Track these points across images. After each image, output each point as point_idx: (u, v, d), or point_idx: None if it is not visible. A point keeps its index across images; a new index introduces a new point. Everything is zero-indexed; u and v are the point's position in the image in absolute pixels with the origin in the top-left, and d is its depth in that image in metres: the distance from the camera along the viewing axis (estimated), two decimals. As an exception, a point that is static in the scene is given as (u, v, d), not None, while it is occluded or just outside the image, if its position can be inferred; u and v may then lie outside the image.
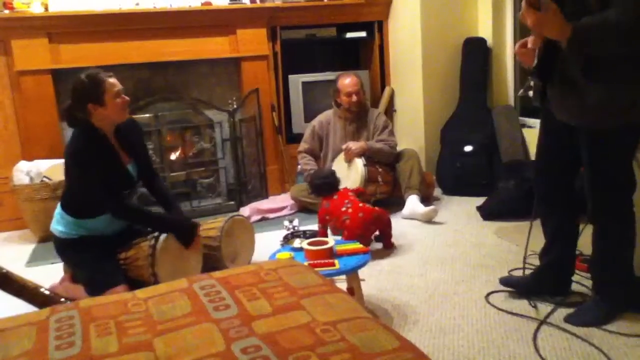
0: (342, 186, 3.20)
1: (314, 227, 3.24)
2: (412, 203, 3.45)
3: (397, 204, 3.56)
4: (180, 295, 1.43)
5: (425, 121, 4.18)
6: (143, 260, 2.34)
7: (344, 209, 2.90)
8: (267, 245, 3.01)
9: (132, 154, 2.47)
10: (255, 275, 1.52)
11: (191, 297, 1.41)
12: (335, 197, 3.03)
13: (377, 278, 2.55)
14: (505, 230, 3.10)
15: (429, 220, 3.34)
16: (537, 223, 2.23)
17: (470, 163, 3.91)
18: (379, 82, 4.65)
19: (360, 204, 2.92)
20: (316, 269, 1.72)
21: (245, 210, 3.70)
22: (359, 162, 3.50)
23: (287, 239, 3.09)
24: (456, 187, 3.95)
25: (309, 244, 2.18)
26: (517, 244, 2.81)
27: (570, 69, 1.76)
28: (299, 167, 3.96)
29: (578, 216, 2.12)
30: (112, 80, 2.33)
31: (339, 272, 2.04)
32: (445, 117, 4.13)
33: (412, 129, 4.34)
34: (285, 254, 2.17)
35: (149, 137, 3.80)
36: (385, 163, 3.66)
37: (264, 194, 4.23)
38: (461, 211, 3.55)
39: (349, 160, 3.57)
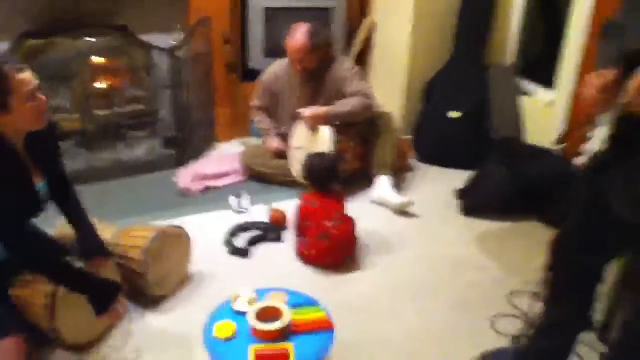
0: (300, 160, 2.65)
1: (267, 205, 2.77)
2: (384, 187, 2.91)
3: (365, 179, 3.01)
4: None
5: (409, 71, 3.51)
6: (39, 308, 1.79)
7: (329, 223, 2.32)
8: (208, 243, 2.48)
9: (44, 169, 1.81)
10: None
11: None
12: (327, 196, 2.42)
13: (343, 321, 2.03)
14: (491, 238, 2.65)
15: (401, 212, 2.84)
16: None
17: (455, 131, 3.34)
18: (359, 10, 3.86)
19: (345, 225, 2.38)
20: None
21: (184, 176, 3.09)
22: (325, 133, 2.86)
23: (232, 235, 2.56)
24: (435, 155, 3.41)
25: (259, 314, 1.67)
26: (506, 269, 2.39)
27: None
28: (254, 121, 3.31)
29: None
30: (23, 75, 1.59)
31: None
32: (433, 69, 3.46)
33: (391, 77, 3.67)
34: (227, 326, 1.66)
35: (67, 81, 3.03)
36: (360, 124, 3.03)
37: (211, 143, 3.59)
38: (438, 194, 3.04)
39: (312, 129, 2.94)
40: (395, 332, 2.02)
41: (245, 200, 2.88)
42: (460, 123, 3.31)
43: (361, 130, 3.03)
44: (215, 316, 1.72)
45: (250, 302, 1.76)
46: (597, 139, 1.36)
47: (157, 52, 3.16)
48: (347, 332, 1.92)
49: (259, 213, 2.77)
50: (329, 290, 2.20)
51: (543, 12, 3.31)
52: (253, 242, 2.54)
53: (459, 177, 3.05)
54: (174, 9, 3.30)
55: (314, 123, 2.89)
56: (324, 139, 2.84)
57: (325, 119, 2.87)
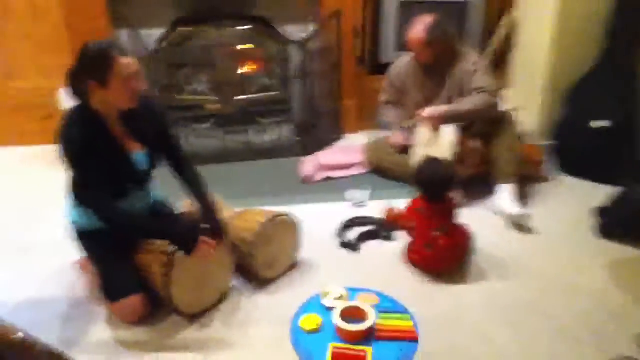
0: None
1: (385, 201, 2.69)
2: (503, 196, 2.72)
3: (488, 186, 2.83)
4: None
5: (551, 74, 3.23)
6: (157, 275, 1.97)
7: (435, 233, 2.23)
8: (321, 233, 2.53)
9: (144, 141, 1.99)
10: None
11: None
12: (437, 203, 2.27)
13: (431, 333, 1.93)
14: (627, 267, 2.35)
15: (518, 225, 2.63)
16: None
17: (600, 142, 3.02)
18: (500, 6, 3.64)
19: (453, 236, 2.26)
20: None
21: (307, 165, 3.17)
22: (448, 134, 2.74)
23: (345, 228, 2.58)
24: (576, 167, 3.11)
25: (344, 312, 1.66)
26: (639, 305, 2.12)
27: None
28: (381, 114, 3.28)
29: None
30: (127, 60, 1.77)
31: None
32: (576, 74, 3.16)
33: (531, 80, 3.42)
34: (313, 319, 1.68)
35: (209, 67, 3.25)
36: (480, 123, 2.87)
37: (337, 134, 3.65)
38: (570, 210, 2.78)
39: (433, 129, 2.82)
40: (484, 353, 1.88)
41: (363, 194, 2.88)
42: (606, 134, 2.99)
43: (482, 131, 2.86)
44: (304, 308, 1.75)
45: (339, 299, 1.76)
46: None
47: (290, 43, 3.26)
48: (433, 344, 1.85)
49: (376, 209, 2.75)
50: (425, 299, 2.13)
51: None
52: (364, 237, 2.53)
53: (600, 194, 2.75)
54: (309, 1, 3.38)
55: (434, 123, 2.79)
56: (446, 141, 2.74)
57: (445, 119, 2.76)
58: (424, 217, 2.25)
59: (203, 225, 2.01)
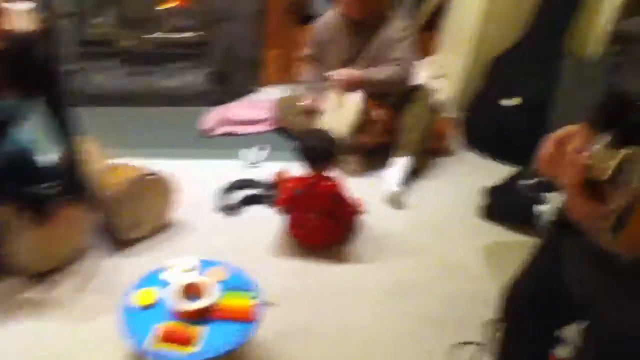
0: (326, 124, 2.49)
1: (283, 164, 2.59)
2: (395, 170, 2.63)
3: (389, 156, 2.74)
4: None
5: (478, 44, 3.10)
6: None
7: (313, 215, 2.15)
8: (202, 193, 2.45)
9: (13, 86, 1.82)
10: None
11: None
12: (318, 179, 2.14)
13: (296, 309, 1.91)
14: (499, 252, 2.35)
15: (393, 202, 2.55)
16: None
17: (510, 119, 2.96)
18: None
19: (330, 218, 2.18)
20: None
21: (210, 117, 3.03)
22: (354, 99, 2.64)
23: (228, 190, 2.49)
24: (484, 143, 3.06)
25: (185, 289, 1.60)
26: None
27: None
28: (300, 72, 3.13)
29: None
30: None
31: (193, 358, 1.50)
32: (501, 48, 3.05)
33: (458, 49, 3.29)
34: (149, 294, 1.62)
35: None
36: (394, 96, 2.78)
37: (254, 85, 3.49)
38: (464, 188, 2.72)
39: (343, 92, 2.72)
40: (343, 331, 1.88)
41: (259, 155, 2.78)
42: (516, 112, 2.93)
43: (394, 102, 2.77)
44: (144, 281, 1.69)
45: (188, 272, 1.70)
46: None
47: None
48: (289, 321, 1.83)
49: (271, 171, 2.66)
50: (296, 274, 2.09)
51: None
52: (247, 201, 2.46)
53: (499, 173, 2.70)
54: None
55: (346, 87, 2.67)
56: (352, 106, 2.64)
57: (358, 84, 2.65)
58: (301, 199, 2.14)
59: (59, 183, 1.88)
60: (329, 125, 2.60)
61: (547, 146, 0.98)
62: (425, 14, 3.53)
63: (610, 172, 0.80)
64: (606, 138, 0.87)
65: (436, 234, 2.40)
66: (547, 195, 1.08)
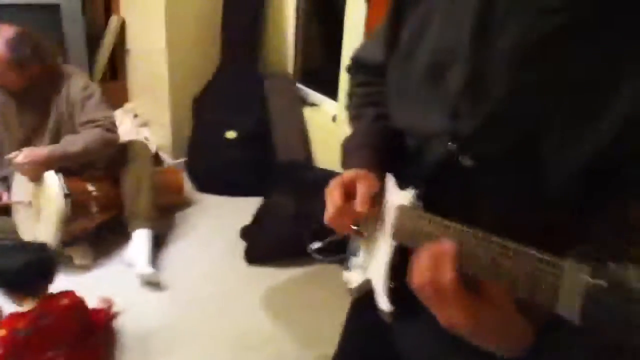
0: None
1: None
2: (137, 245, 2.20)
3: (122, 232, 2.29)
4: None
5: (171, 83, 2.86)
6: None
7: (52, 353, 1.54)
8: None
9: None
10: None
11: None
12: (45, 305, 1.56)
13: None
14: (280, 294, 2.17)
15: (149, 283, 2.15)
16: None
17: (232, 154, 2.81)
18: (102, 7, 3.07)
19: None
20: None
21: None
22: (51, 182, 2.07)
23: None
24: (216, 184, 2.84)
25: None
26: (297, 342, 1.94)
27: None
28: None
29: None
30: None
31: None
32: (202, 81, 2.88)
33: (153, 92, 2.99)
34: None
35: None
36: (103, 161, 2.32)
37: None
38: (218, 232, 2.49)
39: (32, 179, 2.13)
40: None
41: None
42: (237, 145, 2.80)
43: (106, 168, 2.33)
44: None
45: None
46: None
47: None
48: None
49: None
50: None
51: (319, 16, 2.93)
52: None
53: (249, 208, 2.51)
54: None
55: (34, 171, 2.08)
56: (52, 191, 2.06)
57: (48, 164, 2.09)
58: (30, 339, 1.51)
59: None
60: (29, 230, 2.03)
61: (332, 199, 0.78)
62: (102, 64, 3.11)
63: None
64: (410, 191, 0.72)
65: (207, 302, 2.08)
66: (352, 258, 0.87)
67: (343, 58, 2.53)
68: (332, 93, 2.74)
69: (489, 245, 0.53)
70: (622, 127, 0.52)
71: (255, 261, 2.33)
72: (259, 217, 2.45)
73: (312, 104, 2.88)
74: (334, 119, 2.68)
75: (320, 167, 2.72)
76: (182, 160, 2.93)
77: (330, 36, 2.71)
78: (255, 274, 2.29)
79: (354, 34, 2.42)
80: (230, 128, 2.78)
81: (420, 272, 0.57)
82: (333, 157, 2.56)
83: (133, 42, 3.08)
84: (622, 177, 0.53)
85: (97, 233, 2.30)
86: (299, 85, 2.93)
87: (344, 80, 2.57)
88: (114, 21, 3.04)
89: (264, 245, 2.36)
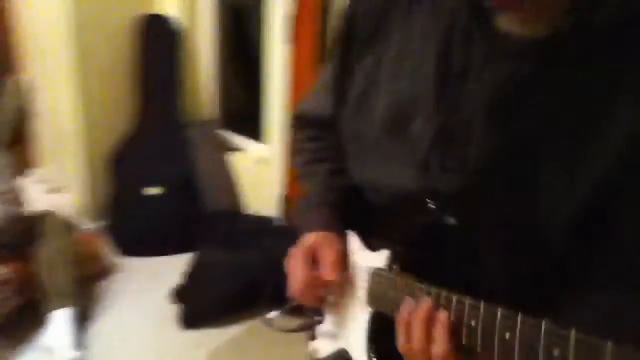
0: None
1: None
2: (55, 328, 1.97)
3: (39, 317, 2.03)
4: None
5: (86, 143, 2.66)
6: None
7: None
8: None
9: None
10: None
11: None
12: None
13: None
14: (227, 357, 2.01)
15: None
16: None
17: (157, 211, 2.63)
18: (3, 66, 2.86)
19: None
20: None
21: None
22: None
23: None
24: (140, 245, 2.63)
25: None
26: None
27: None
28: None
29: None
30: None
31: None
32: (117, 138, 2.70)
33: (65, 154, 2.78)
34: None
35: None
36: (11, 243, 2.09)
37: None
38: (148, 299, 2.29)
39: None
40: None
41: None
42: (162, 199, 2.63)
43: (13, 246, 2.09)
44: None
45: None
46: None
47: None
48: None
49: None
50: None
51: (236, 58, 2.86)
52: None
53: (181, 266, 2.35)
54: None
55: None
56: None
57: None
58: None
59: None
60: None
61: (296, 272, 0.73)
62: (5, 129, 2.86)
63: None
64: (383, 252, 0.67)
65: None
66: (318, 330, 0.81)
67: (264, 99, 2.46)
68: (256, 135, 2.66)
69: (479, 314, 0.50)
70: (613, 165, 0.49)
71: (193, 325, 2.15)
72: (192, 275, 2.28)
73: (237, 149, 2.77)
74: (262, 160, 2.58)
75: (251, 212, 2.60)
76: (101, 223, 2.72)
77: (249, 78, 2.64)
78: (195, 339, 2.11)
79: (274, 73, 2.36)
80: (152, 183, 2.61)
81: (411, 340, 0.55)
82: (263, 201, 2.48)
83: (42, 104, 2.87)
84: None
85: (8, 322, 2.05)
86: (222, 131, 2.82)
87: (267, 121, 2.49)
88: (14, 82, 2.82)
89: (201, 305, 2.19)
